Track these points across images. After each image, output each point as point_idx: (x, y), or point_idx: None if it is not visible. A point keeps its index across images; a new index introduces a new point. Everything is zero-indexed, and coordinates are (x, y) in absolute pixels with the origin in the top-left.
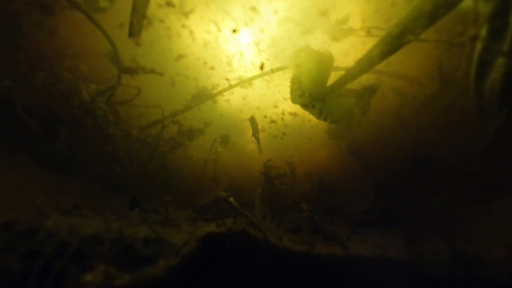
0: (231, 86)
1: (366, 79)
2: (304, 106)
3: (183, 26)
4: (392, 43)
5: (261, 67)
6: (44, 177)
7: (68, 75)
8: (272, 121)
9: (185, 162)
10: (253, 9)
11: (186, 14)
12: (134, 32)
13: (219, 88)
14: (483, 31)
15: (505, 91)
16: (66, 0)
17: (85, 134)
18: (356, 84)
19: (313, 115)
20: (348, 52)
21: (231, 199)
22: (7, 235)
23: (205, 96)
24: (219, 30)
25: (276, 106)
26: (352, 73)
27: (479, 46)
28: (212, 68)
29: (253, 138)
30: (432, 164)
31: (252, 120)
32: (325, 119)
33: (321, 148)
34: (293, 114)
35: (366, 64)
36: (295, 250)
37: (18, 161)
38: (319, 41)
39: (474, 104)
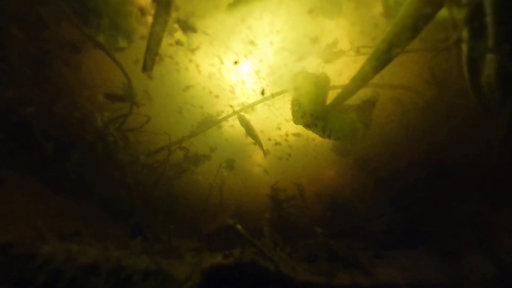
0: (234, 112)
1: (364, 93)
2: (307, 126)
3: (190, 61)
4: (382, 58)
5: (262, 93)
6: (50, 199)
7: (86, 104)
8: (277, 143)
9: (191, 187)
10: (251, 43)
11: (192, 51)
12: (147, 67)
13: (224, 115)
14: (465, 34)
15: (503, 84)
16: (92, 41)
17: (94, 158)
18: (355, 100)
19: (316, 133)
20: (342, 71)
21: (238, 226)
22: (2, 258)
23: (210, 122)
24: (222, 62)
25: (279, 128)
26: (349, 90)
27: (464, 48)
28: (217, 96)
29: (256, 161)
30: (448, 169)
31: (241, 118)
32: (329, 137)
33: (329, 166)
34: (297, 135)
35: (360, 80)
36: (312, 282)
37: (27, 182)
38: (313, 64)
39: (476, 102)
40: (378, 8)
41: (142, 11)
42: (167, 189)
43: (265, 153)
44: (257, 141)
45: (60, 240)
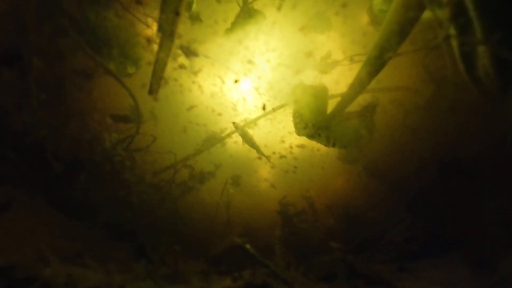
0: (237, 128)
1: (363, 99)
2: (310, 136)
3: (193, 82)
4: (376, 63)
5: (263, 108)
6: (55, 219)
7: (95, 126)
8: (282, 156)
9: (197, 206)
10: (250, 62)
11: (195, 73)
12: (153, 90)
13: (227, 131)
14: (452, 31)
15: (501, 72)
16: (103, 69)
17: (101, 178)
18: (355, 106)
19: (321, 143)
20: (338, 80)
21: (248, 246)
22: (4, 281)
23: (214, 139)
24: (223, 82)
25: (283, 141)
26: (347, 97)
27: (454, 43)
28: (220, 114)
29: (262, 176)
30: (463, 165)
31: (236, 126)
32: (333, 145)
33: (337, 176)
34: (301, 146)
35: (358, 87)
36: None
37: (34, 202)
38: (310, 77)
39: (477, 93)
40: (364, 18)
41: (149, 41)
42: (172, 209)
43: (269, 159)
44: (256, 149)
45: (62, 263)
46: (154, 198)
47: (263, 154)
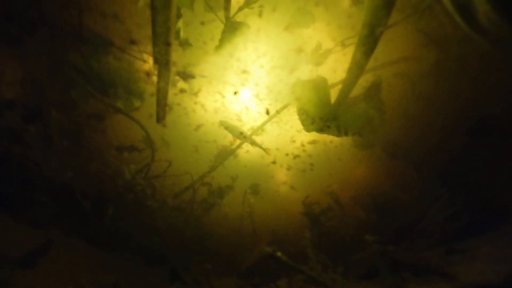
0: (245, 138)
1: (365, 80)
2: (320, 130)
3: (195, 103)
4: (368, 42)
5: (267, 113)
6: (90, 254)
7: (114, 161)
8: (296, 156)
9: (221, 221)
10: (244, 71)
11: (196, 94)
12: (160, 118)
13: (237, 143)
14: None
15: (506, 13)
16: (113, 108)
17: (127, 209)
18: (358, 90)
19: (332, 135)
20: (335, 68)
21: (279, 254)
22: None
23: (226, 153)
24: (223, 96)
25: (293, 141)
26: (348, 82)
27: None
28: (227, 127)
29: (280, 180)
30: (492, 124)
31: (222, 123)
32: (346, 134)
33: (357, 164)
34: (313, 142)
35: (356, 69)
36: None
37: (70, 240)
38: (306, 72)
39: (485, 44)
40: (346, 1)
41: (148, 74)
42: (198, 228)
43: (268, 152)
44: (251, 143)
45: None
46: (179, 220)
47: (258, 145)
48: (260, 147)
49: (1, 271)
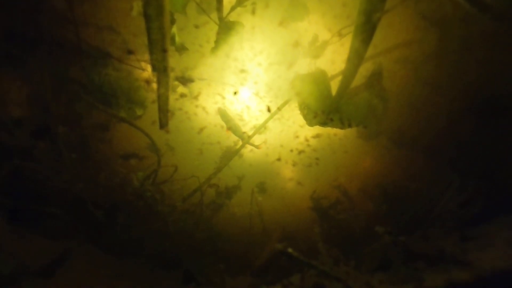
0: (249, 137)
1: (365, 69)
2: (323, 123)
3: (196, 106)
4: (366, 29)
5: (268, 110)
6: (106, 262)
7: (122, 169)
8: (300, 152)
9: (230, 221)
10: (242, 71)
11: (196, 97)
12: (163, 124)
13: (240, 143)
14: None
15: None
16: (116, 118)
17: (137, 215)
18: (359, 79)
19: (336, 128)
20: (333, 59)
21: (290, 250)
22: None
23: (230, 154)
24: (223, 97)
25: (297, 137)
26: (348, 73)
27: None
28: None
29: (286, 176)
30: (501, 103)
31: (220, 111)
32: (350, 125)
33: (363, 155)
34: (317, 136)
35: (355, 59)
36: None
37: (87, 249)
38: (304, 66)
39: (487, 20)
40: None
41: (148, 82)
42: (208, 229)
43: (258, 147)
44: (236, 132)
45: None
46: (189, 223)
47: (243, 139)
48: (251, 144)
49: (25, 282)
